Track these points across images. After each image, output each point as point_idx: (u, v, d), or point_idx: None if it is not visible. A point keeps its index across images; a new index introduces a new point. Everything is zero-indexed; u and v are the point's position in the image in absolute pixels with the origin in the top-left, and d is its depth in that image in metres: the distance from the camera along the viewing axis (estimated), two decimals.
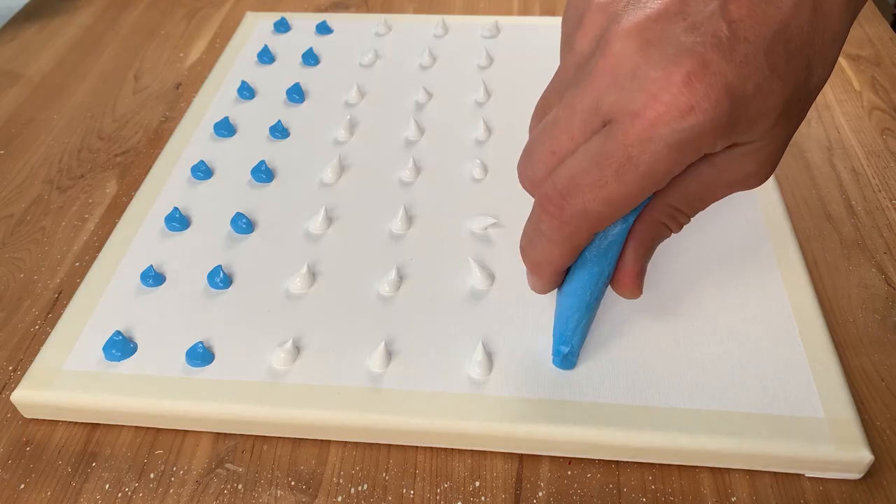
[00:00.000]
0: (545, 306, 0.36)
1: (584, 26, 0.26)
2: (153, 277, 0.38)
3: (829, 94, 0.53)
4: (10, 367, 0.37)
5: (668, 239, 0.30)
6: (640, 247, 0.29)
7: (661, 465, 0.32)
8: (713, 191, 0.28)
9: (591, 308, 0.31)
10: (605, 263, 0.30)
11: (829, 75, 0.26)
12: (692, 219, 0.29)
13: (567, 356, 0.32)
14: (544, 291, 0.32)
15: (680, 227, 0.29)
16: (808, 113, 0.50)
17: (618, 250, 0.29)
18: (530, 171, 0.27)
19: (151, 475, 0.32)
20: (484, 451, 0.33)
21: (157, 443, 0.34)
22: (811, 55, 0.24)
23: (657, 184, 0.25)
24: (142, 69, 0.58)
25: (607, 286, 0.31)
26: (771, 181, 0.42)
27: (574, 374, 0.33)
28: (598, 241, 0.29)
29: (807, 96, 0.25)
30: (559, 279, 0.31)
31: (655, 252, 0.30)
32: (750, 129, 0.24)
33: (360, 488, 0.32)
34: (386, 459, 0.33)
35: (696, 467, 0.32)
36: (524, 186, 0.28)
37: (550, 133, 0.26)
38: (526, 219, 0.29)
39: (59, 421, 0.35)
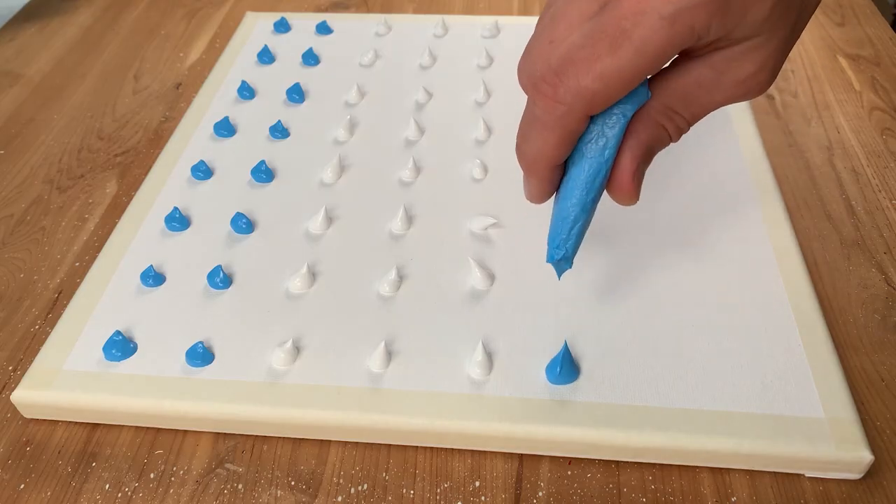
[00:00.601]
0: (545, 306, 0.36)
1: None
2: (153, 277, 0.38)
3: (829, 94, 0.53)
4: (10, 367, 0.37)
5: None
6: (637, 146, 0.29)
7: (661, 465, 0.32)
8: (711, 94, 0.27)
9: (586, 210, 0.30)
10: (602, 161, 0.29)
11: None
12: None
13: (560, 262, 0.31)
14: (540, 197, 0.31)
15: (678, 133, 0.29)
16: (808, 113, 0.50)
17: (614, 149, 0.29)
18: (529, 66, 0.27)
19: (151, 475, 0.32)
20: (484, 451, 0.33)
21: (157, 443, 0.34)
22: None
23: (651, 62, 0.25)
24: (142, 69, 0.58)
25: (603, 189, 0.30)
26: (771, 182, 0.42)
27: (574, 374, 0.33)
28: (595, 140, 0.28)
29: None
30: (555, 179, 0.30)
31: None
32: (744, 16, 0.24)
33: (360, 488, 0.32)
34: (386, 459, 0.33)
35: (696, 467, 0.32)
36: (522, 84, 0.28)
37: (550, 26, 0.26)
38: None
39: (59, 421, 0.35)
